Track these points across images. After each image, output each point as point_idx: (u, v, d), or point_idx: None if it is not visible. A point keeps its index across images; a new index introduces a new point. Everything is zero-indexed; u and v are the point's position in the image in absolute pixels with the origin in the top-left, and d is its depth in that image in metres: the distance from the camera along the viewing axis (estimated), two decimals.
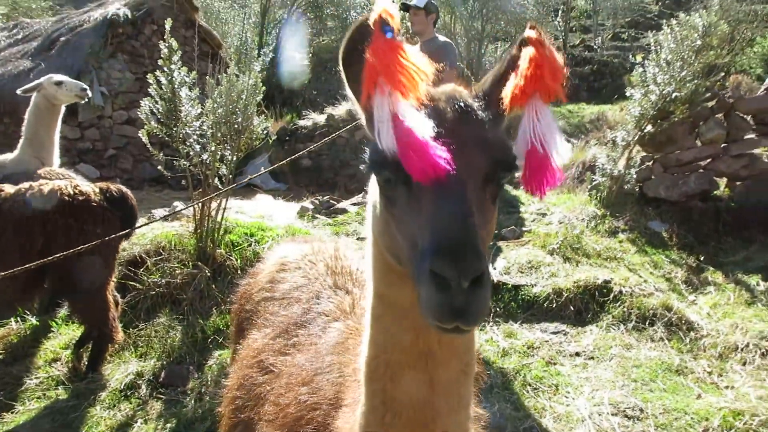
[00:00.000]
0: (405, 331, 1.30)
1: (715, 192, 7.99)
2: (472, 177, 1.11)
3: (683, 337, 5.25)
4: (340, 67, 1.25)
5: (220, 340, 5.23)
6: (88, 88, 6.35)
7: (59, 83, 6.17)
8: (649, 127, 7.80)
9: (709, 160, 7.91)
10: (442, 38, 6.18)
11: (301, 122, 13.30)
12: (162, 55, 5.37)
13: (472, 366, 1.38)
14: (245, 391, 2.02)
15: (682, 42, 7.40)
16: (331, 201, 8.25)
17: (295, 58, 24.13)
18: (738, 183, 7.94)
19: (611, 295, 5.68)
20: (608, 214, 7.62)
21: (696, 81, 7.44)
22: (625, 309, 5.52)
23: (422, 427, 1.32)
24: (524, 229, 7.33)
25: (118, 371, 4.94)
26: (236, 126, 6.35)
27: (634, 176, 8.04)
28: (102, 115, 11.62)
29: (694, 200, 7.81)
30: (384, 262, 1.30)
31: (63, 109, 6.45)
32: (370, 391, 1.36)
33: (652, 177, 8.00)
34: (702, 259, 6.97)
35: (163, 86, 5.47)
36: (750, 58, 14.20)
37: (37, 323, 5.91)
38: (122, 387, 4.73)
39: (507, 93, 1.18)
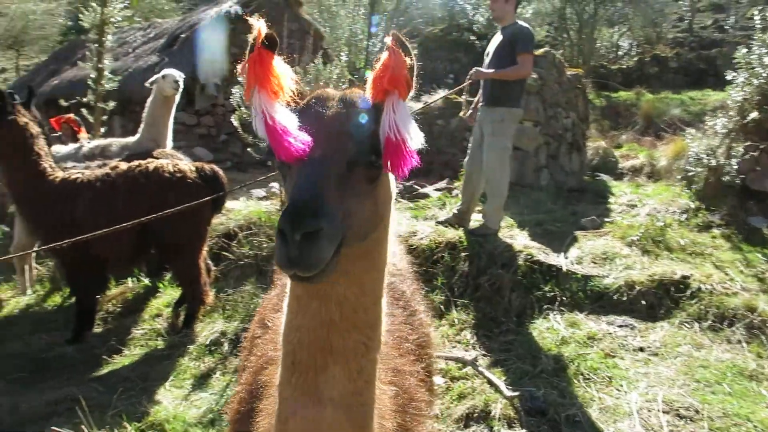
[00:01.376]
0: (311, 299, 1.46)
1: None
2: (336, 158, 1.31)
3: (766, 341, 4.91)
4: (242, 77, 1.49)
5: None
6: (180, 80, 6.98)
7: (164, 76, 6.92)
8: (755, 114, 7.19)
9: None
10: (521, 23, 6.13)
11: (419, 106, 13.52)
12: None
13: (374, 341, 1.52)
14: (249, 343, 2.29)
15: None
16: (414, 186, 8.45)
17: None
18: None
19: (688, 292, 5.41)
20: (703, 207, 7.17)
21: None
22: (703, 307, 5.24)
23: (317, 390, 1.46)
24: (607, 219, 7.12)
25: (207, 329, 5.53)
26: None
27: (735, 167, 7.44)
28: (216, 104, 12.69)
29: None
30: None
31: (177, 98, 7.23)
32: (284, 352, 1.52)
33: (757, 168, 7.36)
34: None
35: None
36: None
37: (149, 284, 6.76)
38: (208, 343, 5.31)
39: (367, 90, 1.39)
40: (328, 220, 1.20)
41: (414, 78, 1.38)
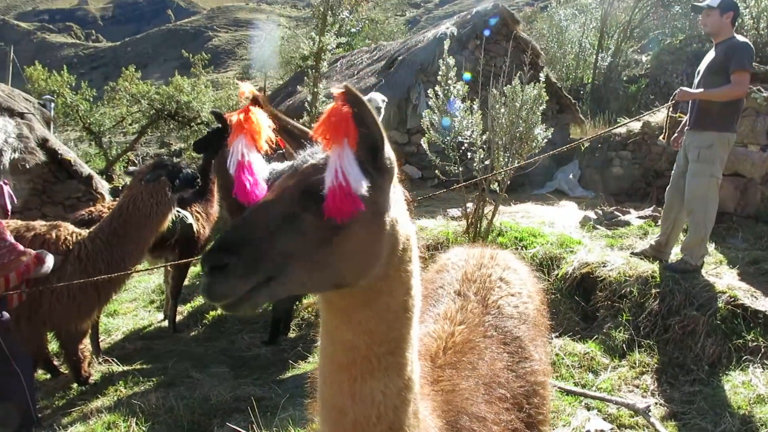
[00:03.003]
0: (327, 343, 1.56)
1: None
2: (280, 203, 1.39)
3: None
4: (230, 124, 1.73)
5: None
6: (382, 105, 7.35)
7: (369, 100, 7.44)
8: None
9: None
10: (738, 38, 5.44)
11: (616, 129, 12.74)
12: (440, 72, 6.08)
13: (391, 389, 1.53)
14: None
15: None
16: (615, 213, 7.89)
17: (638, 61, 22.81)
18: None
19: None
20: None
21: None
22: None
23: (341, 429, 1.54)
24: None
25: None
26: (517, 134, 6.77)
27: None
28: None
29: None
30: None
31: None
32: (318, 391, 1.62)
33: None
34: None
35: (440, 99, 6.19)
36: None
37: None
38: None
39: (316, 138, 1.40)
40: (237, 258, 1.28)
41: (376, 127, 1.38)
